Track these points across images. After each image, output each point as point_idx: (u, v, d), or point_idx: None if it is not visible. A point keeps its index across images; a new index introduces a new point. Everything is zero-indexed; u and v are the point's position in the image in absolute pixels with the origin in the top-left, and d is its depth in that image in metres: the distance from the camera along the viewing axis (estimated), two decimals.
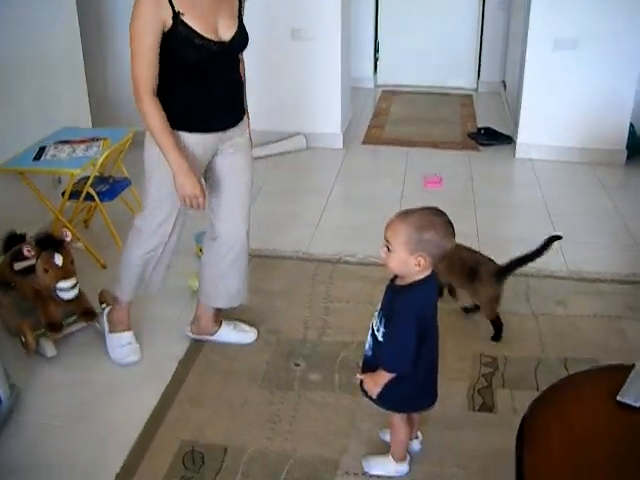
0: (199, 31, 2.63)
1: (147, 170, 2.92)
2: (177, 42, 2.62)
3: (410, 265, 2.15)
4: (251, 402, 2.94)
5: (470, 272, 3.35)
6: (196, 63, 2.70)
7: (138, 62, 2.62)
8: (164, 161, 2.74)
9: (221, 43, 2.70)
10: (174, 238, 3.10)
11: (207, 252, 3.21)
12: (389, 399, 2.36)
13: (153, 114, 2.66)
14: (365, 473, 2.56)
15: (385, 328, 2.25)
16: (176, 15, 2.58)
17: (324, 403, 2.93)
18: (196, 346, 3.29)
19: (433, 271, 2.25)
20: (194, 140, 2.82)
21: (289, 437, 2.74)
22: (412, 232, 2.12)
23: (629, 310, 3.60)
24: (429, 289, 2.24)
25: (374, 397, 2.35)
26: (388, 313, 2.25)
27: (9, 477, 2.59)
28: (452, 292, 3.63)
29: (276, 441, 2.72)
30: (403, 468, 2.55)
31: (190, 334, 3.33)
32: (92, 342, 3.34)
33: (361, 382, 2.41)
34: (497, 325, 3.36)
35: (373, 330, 2.33)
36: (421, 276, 2.20)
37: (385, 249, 2.18)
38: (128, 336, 3.25)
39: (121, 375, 3.12)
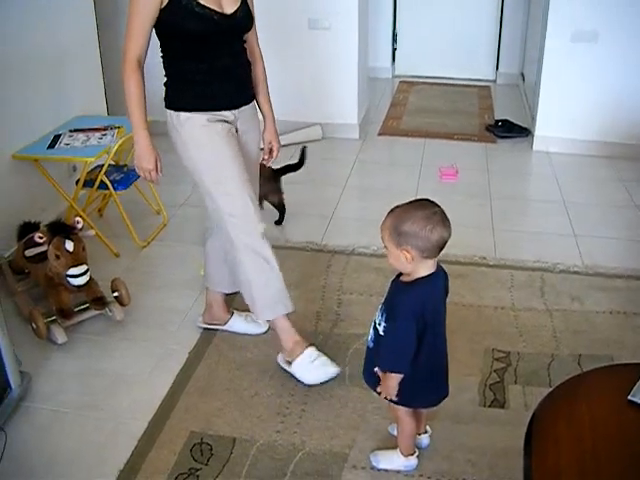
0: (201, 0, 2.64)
1: (190, 154, 2.85)
2: (178, 13, 2.62)
3: (401, 259, 2.14)
4: (261, 394, 2.93)
5: None
6: (200, 34, 2.68)
7: (127, 33, 2.68)
8: (209, 133, 2.80)
9: (223, 15, 2.69)
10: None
11: (212, 234, 3.12)
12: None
13: (129, 86, 2.75)
14: (373, 467, 2.55)
15: (386, 323, 2.23)
16: None
17: (334, 396, 2.91)
18: (207, 337, 3.28)
19: (439, 267, 2.23)
20: (204, 118, 2.80)
21: (298, 430, 2.73)
22: (392, 226, 2.12)
23: None
24: (433, 286, 2.21)
25: (394, 399, 2.32)
26: (389, 309, 2.23)
27: (19, 463, 2.60)
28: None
29: (285, 434, 2.71)
30: (411, 462, 2.53)
31: (201, 324, 3.32)
32: (103, 331, 3.34)
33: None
34: (280, 209, 4.35)
35: (375, 323, 2.32)
36: (422, 273, 2.18)
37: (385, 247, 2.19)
38: (311, 352, 3.02)
39: (131, 365, 3.12)
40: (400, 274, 2.26)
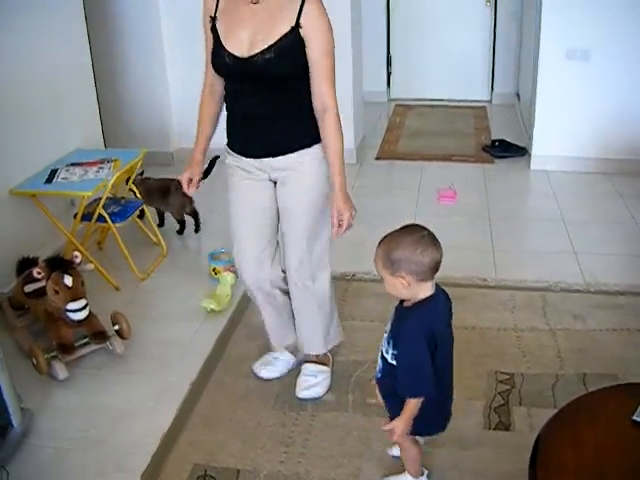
0: (222, 38, 2.57)
1: None
2: (213, 43, 2.62)
3: (398, 286, 2.14)
4: (264, 424, 2.90)
5: (163, 192, 4.50)
6: (219, 72, 2.67)
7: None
8: (228, 174, 2.86)
9: (236, 58, 2.54)
10: None
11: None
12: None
13: (199, 108, 2.83)
14: None
15: (394, 350, 2.21)
16: (214, 17, 2.60)
17: (337, 424, 2.89)
18: (208, 368, 3.26)
19: (438, 289, 2.22)
20: (231, 160, 2.83)
21: (302, 460, 2.70)
22: (384, 256, 2.13)
23: None
24: (436, 306, 2.20)
25: (408, 433, 2.29)
26: (396, 335, 2.22)
27: None
28: (161, 220, 4.75)
29: (289, 464, 2.68)
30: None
31: None
32: (104, 365, 3.33)
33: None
34: (181, 223, 4.67)
35: (382, 353, 2.30)
36: (423, 295, 2.17)
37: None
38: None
39: (133, 398, 3.09)
40: (402, 300, 2.25)
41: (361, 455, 2.72)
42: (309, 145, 2.71)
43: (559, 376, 3.15)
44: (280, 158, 2.71)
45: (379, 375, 2.35)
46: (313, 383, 3.08)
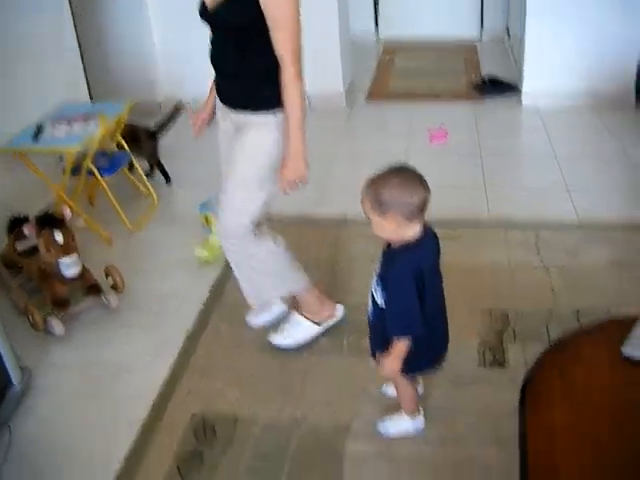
0: None
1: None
2: None
3: (386, 228, 2.13)
4: (261, 371, 2.92)
5: (133, 137, 4.41)
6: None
7: None
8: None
9: (204, 7, 2.57)
10: None
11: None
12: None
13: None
14: (382, 435, 2.55)
15: (383, 291, 2.22)
16: None
17: (333, 368, 2.91)
18: (204, 317, 3.27)
19: (426, 228, 2.21)
20: (217, 102, 2.82)
21: (299, 405, 2.72)
22: (372, 197, 2.11)
23: None
24: (424, 247, 2.20)
25: (397, 373, 2.31)
26: (384, 278, 2.22)
27: (25, 458, 2.60)
28: (151, 169, 4.73)
29: (287, 409, 2.71)
30: (418, 423, 2.55)
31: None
32: (100, 319, 3.33)
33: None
34: (161, 169, 4.69)
35: (373, 296, 2.30)
36: (410, 235, 2.16)
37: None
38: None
39: (130, 351, 3.11)
40: (389, 243, 2.25)
41: (358, 398, 2.74)
42: (266, 110, 2.63)
43: (553, 312, 3.17)
44: (237, 113, 2.71)
45: (371, 317, 2.37)
46: (282, 329, 3.09)
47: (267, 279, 2.95)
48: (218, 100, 2.80)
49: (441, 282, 2.32)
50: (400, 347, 2.21)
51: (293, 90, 2.54)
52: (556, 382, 1.76)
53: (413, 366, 2.34)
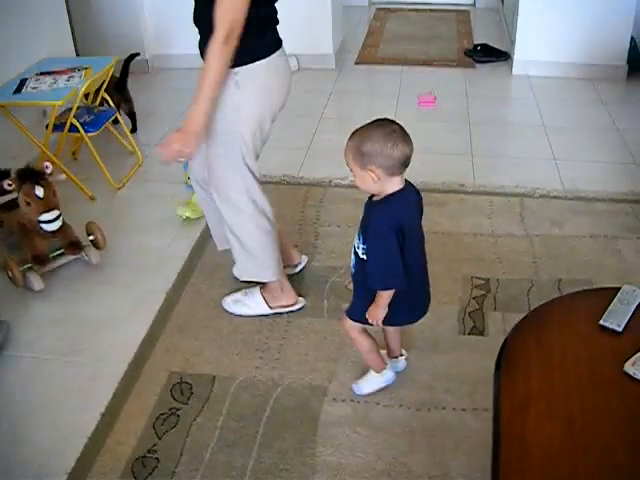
0: None
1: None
2: None
3: (368, 180, 2.12)
4: (239, 331, 2.92)
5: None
6: None
7: None
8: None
9: None
10: None
11: None
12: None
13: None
14: (355, 398, 2.56)
15: (364, 244, 2.22)
16: None
17: (312, 330, 2.91)
18: (184, 276, 3.26)
19: (407, 184, 2.21)
20: None
21: (277, 365, 2.73)
22: (354, 149, 2.10)
23: (626, 230, 3.54)
24: (405, 201, 2.20)
25: (380, 323, 2.31)
26: (366, 230, 2.22)
27: (3, 412, 2.60)
28: (134, 125, 4.77)
29: (264, 369, 2.71)
30: (387, 376, 2.57)
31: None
32: (80, 275, 3.31)
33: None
34: (132, 117, 4.77)
35: (354, 248, 2.31)
36: (391, 189, 2.16)
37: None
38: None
39: (110, 308, 3.09)
40: (372, 195, 2.24)
41: (335, 360, 2.74)
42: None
43: (534, 282, 3.17)
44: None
45: (353, 270, 2.36)
46: (237, 298, 3.07)
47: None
48: None
49: (422, 241, 2.32)
50: (383, 299, 2.23)
51: (212, 55, 2.36)
52: (533, 350, 1.76)
53: (386, 319, 2.35)
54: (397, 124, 2.14)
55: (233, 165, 2.68)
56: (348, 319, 2.43)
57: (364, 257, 2.24)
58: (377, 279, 2.23)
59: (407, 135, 2.12)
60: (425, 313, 2.45)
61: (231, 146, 2.64)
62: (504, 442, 1.51)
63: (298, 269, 3.25)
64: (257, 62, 2.53)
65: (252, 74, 2.54)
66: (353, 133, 2.14)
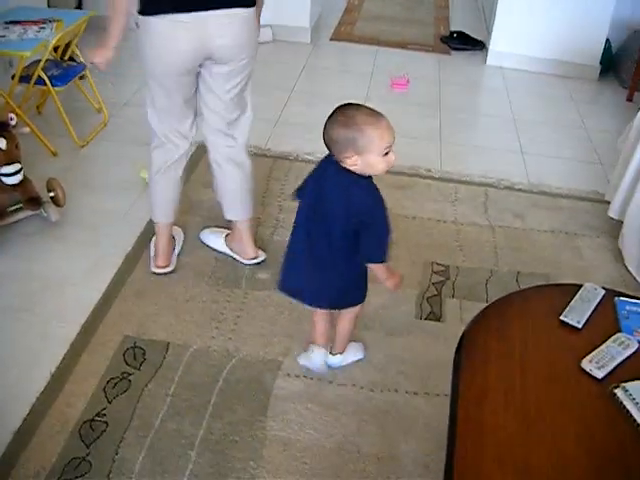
0: None
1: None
2: None
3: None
4: (197, 299, 2.89)
5: None
6: None
7: None
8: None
9: None
10: None
11: None
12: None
13: None
14: (306, 375, 2.57)
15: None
16: None
17: (270, 303, 2.89)
18: (144, 240, 3.20)
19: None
20: None
21: (233, 336, 2.71)
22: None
23: (586, 228, 3.58)
24: None
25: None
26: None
27: None
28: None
29: (219, 340, 2.69)
30: (318, 354, 2.57)
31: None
32: (38, 231, 3.24)
33: None
34: None
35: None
36: None
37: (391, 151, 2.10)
38: None
39: (66, 267, 3.04)
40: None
41: (291, 335, 2.74)
42: None
43: (493, 272, 3.19)
44: None
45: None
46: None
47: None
48: None
49: None
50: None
51: None
52: (493, 340, 1.77)
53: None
54: None
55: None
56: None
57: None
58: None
59: None
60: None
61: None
62: (460, 427, 1.52)
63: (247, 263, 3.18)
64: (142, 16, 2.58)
65: (142, 23, 2.61)
66: (379, 114, 2.10)
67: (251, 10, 2.59)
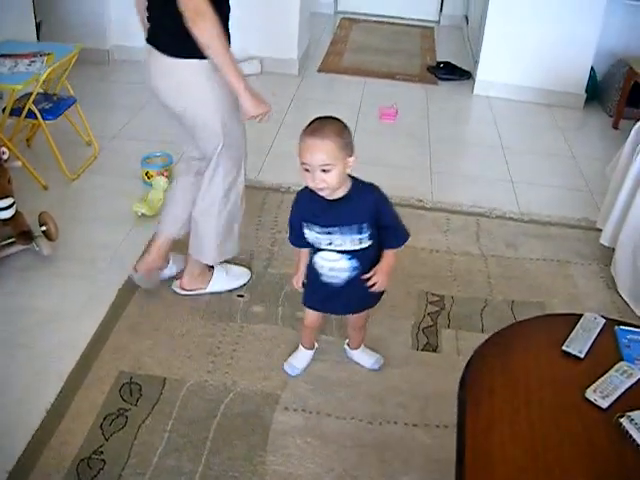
0: None
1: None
2: None
3: (345, 171, 2.18)
4: (192, 333, 2.87)
5: None
6: None
7: None
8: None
9: None
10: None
11: None
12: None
13: (215, 25, 2.41)
14: (305, 409, 2.54)
15: (369, 230, 2.27)
16: None
17: (266, 336, 2.88)
18: None
19: None
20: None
21: (229, 370, 2.69)
22: (339, 140, 2.12)
23: (578, 256, 3.59)
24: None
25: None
26: (362, 217, 2.26)
27: None
28: None
29: (216, 374, 2.67)
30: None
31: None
32: (30, 266, 3.22)
33: None
34: None
35: (347, 253, 2.31)
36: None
37: (321, 174, 2.13)
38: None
39: (60, 302, 3.01)
40: (323, 202, 2.24)
41: None
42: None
43: (488, 301, 3.19)
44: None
45: (349, 275, 2.36)
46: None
47: None
48: None
49: None
50: (395, 257, 2.38)
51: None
52: (497, 372, 1.76)
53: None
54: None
55: None
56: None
57: (370, 242, 2.29)
58: (405, 232, 2.39)
59: None
60: None
61: None
62: (468, 460, 1.51)
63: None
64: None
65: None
66: (319, 131, 2.12)
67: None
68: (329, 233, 2.27)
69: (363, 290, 2.37)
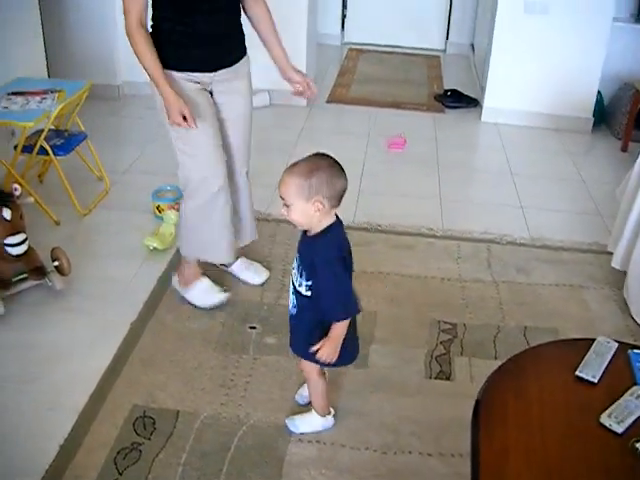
0: None
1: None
2: None
3: (311, 213, 2.14)
4: (205, 366, 2.87)
5: None
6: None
7: None
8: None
9: None
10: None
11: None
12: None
13: (138, 43, 2.73)
14: (319, 440, 2.53)
15: (309, 280, 2.23)
16: None
17: (279, 367, 2.87)
18: (150, 307, 3.21)
19: (337, 216, 2.24)
20: (182, 77, 2.86)
21: (243, 403, 2.68)
22: (301, 180, 2.12)
23: (590, 280, 3.58)
24: (339, 232, 2.24)
25: (335, 360, 2.30)
26: (309, 266, 2.22)
27: None
28: None
29: (229, 406, 2.66)
30: (329, 421, 2.57)
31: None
32: (43, 301, 3.24)
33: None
34: None
35: (295, 286, 2.31)
36: (327, 222, 2.20)
37: (285, 207, 2.17)
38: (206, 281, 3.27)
39: (72, 336, 3.03)
40: (305, 232, 2.25)
41: None
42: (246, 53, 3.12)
43: (500, 328, 3.18)
44: (234, 67, 3.04)
45: (294, 311, 2.36)
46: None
47: None
48: (189, 74, 2.88)
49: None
50: (340, 330, 2.24)
51: None
52: (510, 399, 1.75)
53: (341, 359, 2.35)
54: (333, 157, 2.19)
55: None
56: (307, 361, 2.41)
57: (308, 294, 2.25)
58: (339, 309, 2.23)
59: (343, 168, 2.18)
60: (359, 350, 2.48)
61: None
62: None
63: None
64: None
65: None
66: (293, 167, 2.16)
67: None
68: (295, 260, 2.31)
69: (302, 335, 2.38)
